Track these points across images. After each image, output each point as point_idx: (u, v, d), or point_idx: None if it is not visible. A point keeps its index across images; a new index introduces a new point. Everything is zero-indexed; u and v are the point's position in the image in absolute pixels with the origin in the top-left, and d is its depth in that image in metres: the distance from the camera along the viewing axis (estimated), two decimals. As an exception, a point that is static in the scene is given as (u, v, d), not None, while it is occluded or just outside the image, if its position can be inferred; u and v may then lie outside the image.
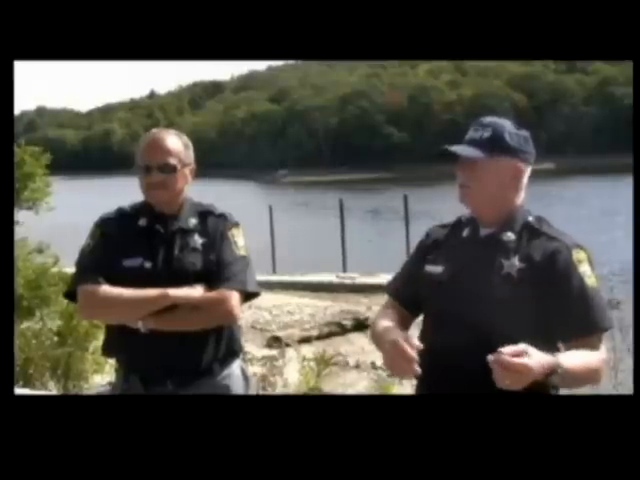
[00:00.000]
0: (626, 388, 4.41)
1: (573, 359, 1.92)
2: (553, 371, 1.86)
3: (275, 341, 8.96)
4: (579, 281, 2.04)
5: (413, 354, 1.93)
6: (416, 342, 1.96)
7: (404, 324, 2.28)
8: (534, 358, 1.82)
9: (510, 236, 2.12)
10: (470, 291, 2.09)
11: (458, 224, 2.28)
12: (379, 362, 7.88)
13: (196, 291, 2.55)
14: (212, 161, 65.21)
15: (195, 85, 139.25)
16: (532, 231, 2.13)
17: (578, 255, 2.07)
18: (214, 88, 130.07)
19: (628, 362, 4.59)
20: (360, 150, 72.32)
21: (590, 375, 2.00)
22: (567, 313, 2.00)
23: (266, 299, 11.39)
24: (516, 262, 2.07)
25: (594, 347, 2.02)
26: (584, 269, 2.05)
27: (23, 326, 6.25)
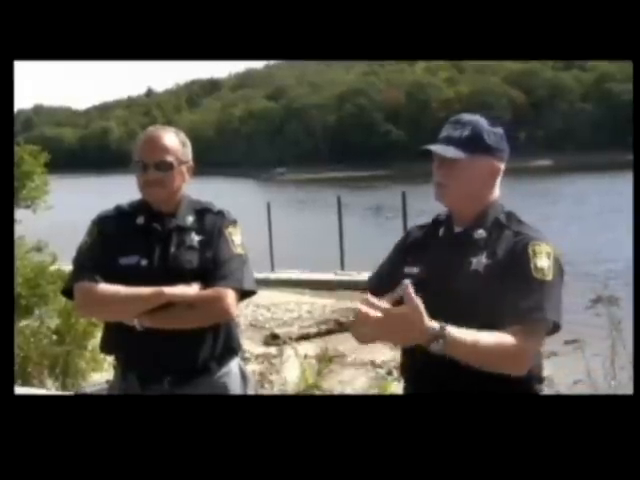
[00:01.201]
0: (622, 385, 4.42)
1: (463, 332, 1.89)
2: (437, 336, 1.85)
3: (273, 338, 8.97)
4: (525, 270, 2.01)
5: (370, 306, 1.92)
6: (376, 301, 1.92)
7: None
8: (420, 315, 1.82)
9: (481, 233, 2.13)
10: (443, 289, 2.08)
11: (436, 223, 2.29)
12: (377, 359, 7.91)
13: (192, 289, 2.54)
14: (210, 159, 65.11)
15: (193, 83, 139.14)
16: (501, 227, 2.14)
17: (534, 247, 2.05)
18: (212, 86, 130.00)
19: (623, 359, 4.60)
20: (358, 148, 72.28)
21: (488, 353, 1.91)
22: (507, 298, 1.98)
23: (264, 297, 11.41)
24: (483, 259, 2.08)
25: (528, 338, 1.96)
26: (537, 261, 2.02)
27: (21, 324, 6.26)
